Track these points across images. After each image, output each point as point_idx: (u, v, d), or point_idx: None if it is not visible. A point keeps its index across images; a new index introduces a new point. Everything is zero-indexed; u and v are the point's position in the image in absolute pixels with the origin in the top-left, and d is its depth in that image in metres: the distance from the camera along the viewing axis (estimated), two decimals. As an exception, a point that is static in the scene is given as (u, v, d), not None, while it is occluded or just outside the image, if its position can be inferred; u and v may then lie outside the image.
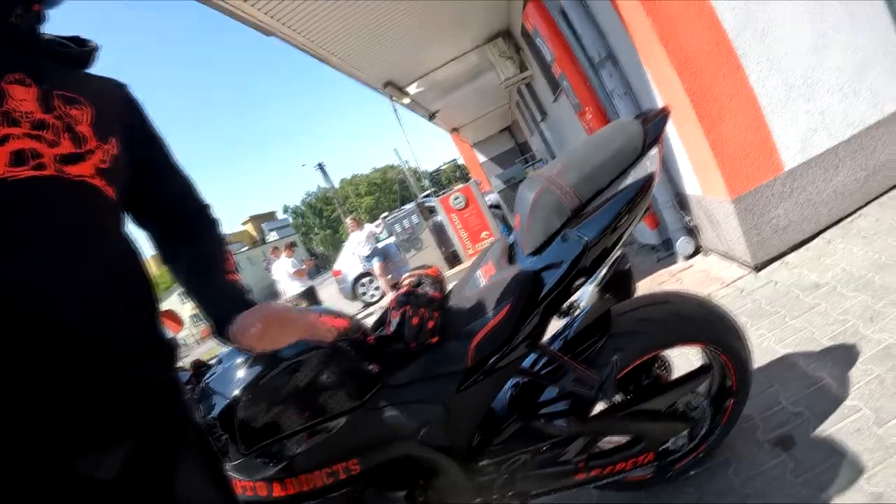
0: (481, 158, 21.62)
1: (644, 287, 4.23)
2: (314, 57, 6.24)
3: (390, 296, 1.94)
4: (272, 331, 1.15)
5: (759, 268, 3.54)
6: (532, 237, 1.66)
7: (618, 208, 1.55)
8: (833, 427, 1.92)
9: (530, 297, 1.58)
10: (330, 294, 14.21)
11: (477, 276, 1.79)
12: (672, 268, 4.45)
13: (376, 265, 11.46)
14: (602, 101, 4.96)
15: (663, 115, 1.65)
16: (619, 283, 1.73)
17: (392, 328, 1.62)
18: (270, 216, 78.89)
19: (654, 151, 1.58)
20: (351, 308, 12.32)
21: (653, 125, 1.60)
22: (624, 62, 4.32)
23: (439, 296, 1.71)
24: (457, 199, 9.53)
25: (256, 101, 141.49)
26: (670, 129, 3.94)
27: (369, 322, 1.81)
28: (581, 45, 4.72)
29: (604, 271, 1.69)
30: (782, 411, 2.12)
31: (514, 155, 21.64)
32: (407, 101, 9.63)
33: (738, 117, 3.42)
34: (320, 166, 44.45)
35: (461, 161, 25.55)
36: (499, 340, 1.56)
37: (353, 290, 13.10)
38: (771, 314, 2.91)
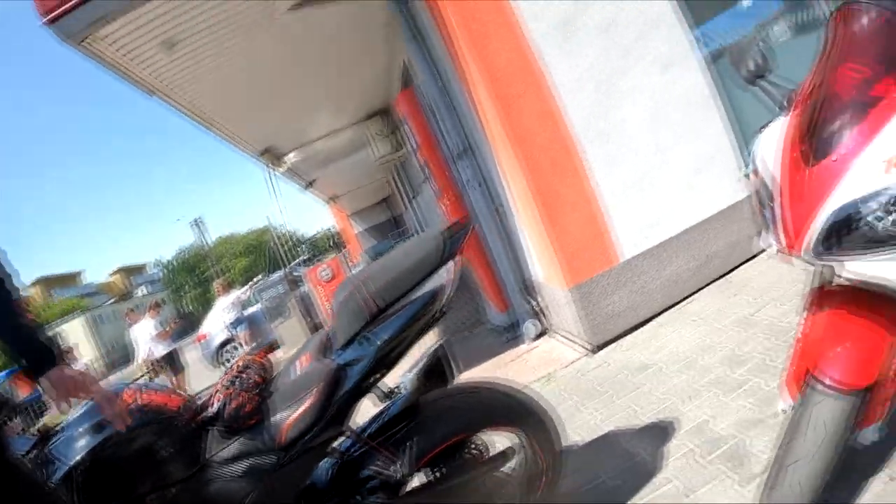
0: (357, 229, 21.68)
1: (489, 367, 4.46)
2: (195, 120, 6.17)
3: None
4: (73, 395, 1.43)
5: (595, 350, 3.80)
6: (340, 335, 1.89)
7: (409, 315, 1.83)
8: (645, 498, 2.11)
9: (335, 387, 1.78)
10: (193, 358, 13.48)
11: (296, 365, 1.95)
12: (519, 348, 4.66)
13: (241, 333, 11.08)
14: (459, 189, 5.25)
15: (465, 228, 1.94)
16: (437, 372, 1.98)
17: (215, 409, 1.77)
18: (140, 269, 74.95)
19: (450, 264, 1.85)
20: (212, 375, 11.74)
21: (452, 240, 1.87)
22: (480, 155, 4.63)
23: (262, 381, 1.86)
24: (324, 271, 9.58)
25: (133, 148, 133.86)
26: (520, 219, 4.24)
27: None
28: (443, 136, 5.02)
29: (423, 362, 1.96)
30: (601, 485, 2.31)
31: (390, 228, 21.81)
32: (284, 168, 9.64)
33: (578, 212, 3.75)
34: (196, 222, 42.71)
35: (336, 229, 25.51)
36: (307, 424, 1.74)
37: (216, 357, 12.58)
38: (601, 393, 3.14)
